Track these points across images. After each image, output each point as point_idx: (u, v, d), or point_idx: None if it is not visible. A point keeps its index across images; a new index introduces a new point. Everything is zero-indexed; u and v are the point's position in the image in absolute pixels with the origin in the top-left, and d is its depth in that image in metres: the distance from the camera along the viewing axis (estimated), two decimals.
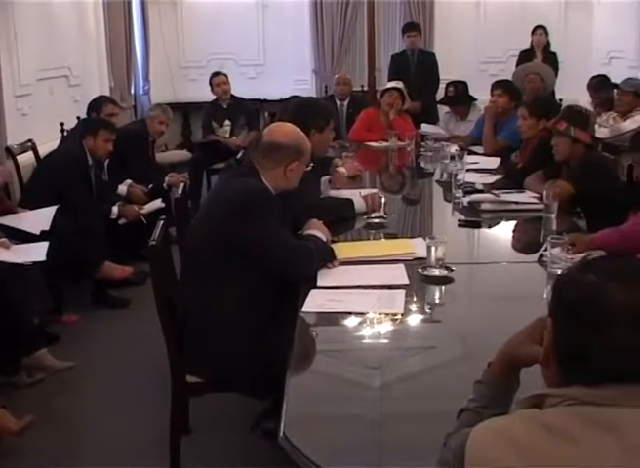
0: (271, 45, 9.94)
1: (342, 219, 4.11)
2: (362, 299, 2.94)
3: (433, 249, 3.21)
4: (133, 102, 8.88)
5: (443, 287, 3.17)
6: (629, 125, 6.43)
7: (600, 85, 7.58)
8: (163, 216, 3.58)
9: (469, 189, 4.67)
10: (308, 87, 9.91)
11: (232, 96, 8.44)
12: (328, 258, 3.32)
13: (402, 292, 3.01)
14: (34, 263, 4.34)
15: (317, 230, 3.46)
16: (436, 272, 3.21)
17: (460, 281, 3.24)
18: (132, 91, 8.84)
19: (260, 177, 3.23)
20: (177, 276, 3.45)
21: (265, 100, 9.46)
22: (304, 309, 2.90)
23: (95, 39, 8.17)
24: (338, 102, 8.03)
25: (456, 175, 4.86)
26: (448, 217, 4.53)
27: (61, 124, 6.73)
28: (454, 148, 5.98)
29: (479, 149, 6.38)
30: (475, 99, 7.55)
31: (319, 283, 3.14)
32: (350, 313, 2.83)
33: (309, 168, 3.50)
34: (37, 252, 4.39)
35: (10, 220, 4.87)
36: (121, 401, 4.12)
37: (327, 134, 4.25)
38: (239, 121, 8.38)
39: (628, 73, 7.72)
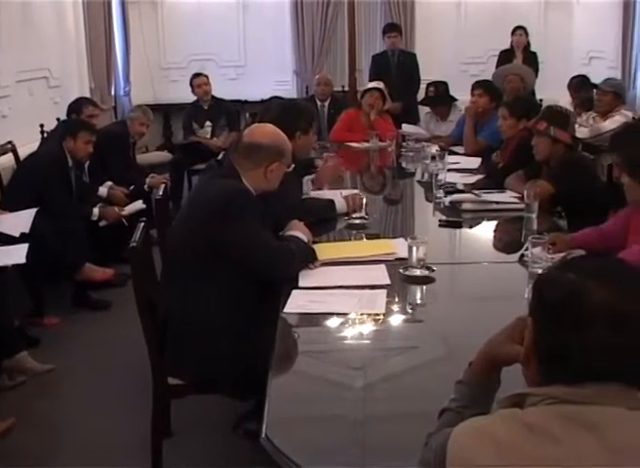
0: (252, 46, 9.92)
1: (324, 220, 4.11)
2: (343, 300, 2.94)
3: (414, 249, 3.22)
4: (113, 104, 8.83)
5: (424, 287, 3.18)
6: (609, 125, 6.47)
7: (580, 85, 7.62)
8: (144, 218, 3.57)
9: (450, 189, 4.68)
10: (289, 88, 9.89)
11: (213, 97, 8.43)
12: (309, 259, 3.32)
13: (383, 292, 3.01)
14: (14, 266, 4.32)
15: (298, 231, 3.46)
16: (417, 272, 3.21)
17: (441, 281, 3.24)
18: (112, 92, 8.79)
19: (240, 178, 3.23)
20: (158, 277, 3.44)
21: (246, 101, 9.43)
22: (286, 310, 2.89)
23: (74, 40, 8.12)
24: (318, 103, 8.03)
25: (437, 175, 4.87)
26: (429, 218, 4.54)
27: (41, 125, 6.70)
28: (435, 148, 5.98)
29: (460, 149, 6.40)
30: (456, 100, 7.57)
31: (300, 284, 3.14)
32: (332, 314, 2.83)
33: (290, 169, 3.51)
34: (17, 254, 4.35)
35: None
36: (102, 403, 4.10)
37: (311, 136, 4.26)
38: (220, 122, 8.36)
39: (608, 73, 7.78)
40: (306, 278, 3.20)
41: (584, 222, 3.83)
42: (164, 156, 8.83)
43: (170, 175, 7.35)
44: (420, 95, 8.32)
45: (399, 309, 2.93)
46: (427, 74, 8.67)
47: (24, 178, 5.51)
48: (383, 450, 1.98)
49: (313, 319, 2.85)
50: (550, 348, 1.43)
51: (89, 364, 4.59)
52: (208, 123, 8.32)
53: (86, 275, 5.28)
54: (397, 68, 8.62)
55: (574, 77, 7.84)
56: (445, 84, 7.73)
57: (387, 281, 3.15)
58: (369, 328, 2.75)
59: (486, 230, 4.25)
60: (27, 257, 4.32)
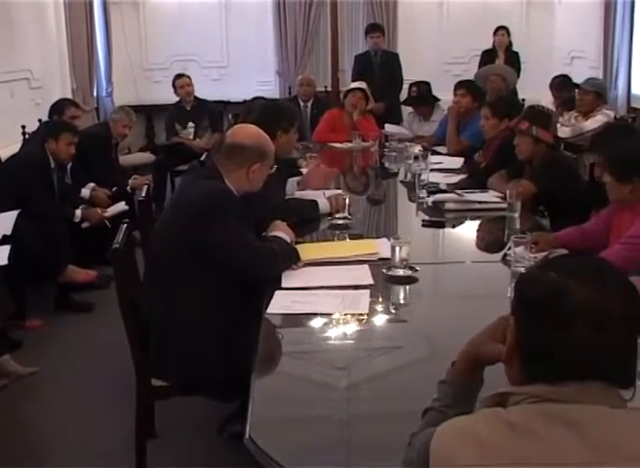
0: (234, 46, 9.89)
1: (307, 221, 4.11)
2: (327, 300, 2.94)
3: (397, 249, 3.22)
4: (95, 105, 8.81)
5: (408, 287, 3.18)
6: (591, 124, 6.50)
7: (562, 85, 7.64)
8: (126, 220, 3.56)
9: (433, 189, 4.69)
10: (272, 88, 9.88)
11: (196, 97, 8.41)
12: (292, 260, 3.32)
13: (367, 292, 3.02)
14: None
15: (281, 231, 3.46)
16: (401, 272, 3.21)
17: (424, 281, 3.25)
18: (94, 93, 8.76)
19: (223, 179, 3.22)
20: (141, 279, 3.43)
21: (229, 102, 9.41)
22: (269, 311, 2.89)
23: (56, 41, 8.08)
24: (301, 103, 8.02)
25: (420, 175, 4.87)
26: (412, 217, 4.54)
27: (23, 127, 6.66)
28: (417, 148, 5.99)
29: (443, 149, 6.41)
30: (438, 100, 7.58)
31: (284, 284, 3.14)
32: (315, 314, 2.83)
33: (273, 169, 3.50)
34: None
35: None
36: (86, 405, 4.08)
37: (292, 135, 4.26)
38: (203, 123, 8.34)
39: (589, 73, 7.81)
40: (290, 278, 3.20)
41: (567, 221, 3.85)
42: (147, 157, 8.79)
43: (152, 177, 7.33)
44: (403, 95, 8.34)
45: (383, 309, 2.93)
46: (410, 74, 8.69)
47: (6, 180, 5.47)
48: (368, 450, 1.99)
49: (297, 319, 2.85)
50: (532, 347, 1.43)
51: (72, 366, 4.56)
52: (190, 124, 8.30)
53: (68, 277, 5.26)
54: (380, 68, 8.62)
55: (555, 77, 7.86)
56: (427, 84, 7.74)
57: (371, 281, 3.15)
58: (352, 328, 2.76)
59: (469, 230, 4.27)
60: (9, 259, 4.29)
